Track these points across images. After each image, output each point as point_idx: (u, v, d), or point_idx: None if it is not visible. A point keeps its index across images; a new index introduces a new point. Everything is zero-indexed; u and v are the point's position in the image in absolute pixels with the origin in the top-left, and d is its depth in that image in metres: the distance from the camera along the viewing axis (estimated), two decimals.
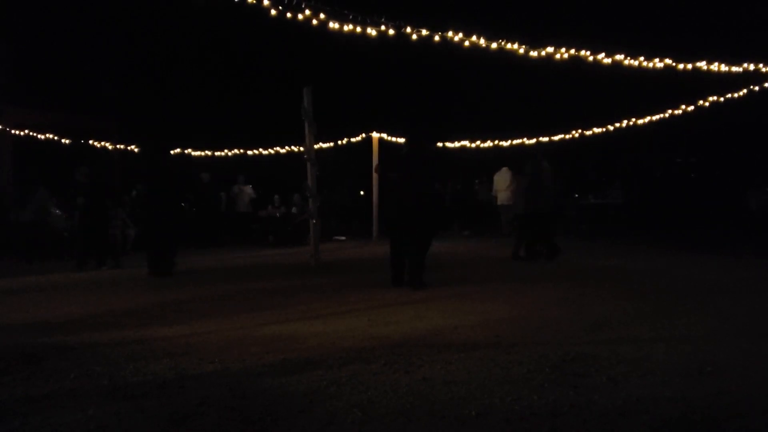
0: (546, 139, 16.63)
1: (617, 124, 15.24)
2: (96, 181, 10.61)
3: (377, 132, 15.54)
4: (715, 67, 9.97)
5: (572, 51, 9.22)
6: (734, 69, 10.11)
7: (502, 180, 14.41)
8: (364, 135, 15.85)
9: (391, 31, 8.27)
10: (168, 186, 9.30)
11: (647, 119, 14.61)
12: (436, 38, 8.62)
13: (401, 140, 7.56)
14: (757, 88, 11.69)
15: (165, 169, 9.42)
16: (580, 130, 16.04)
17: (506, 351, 4.08)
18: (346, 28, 8.07)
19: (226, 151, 17.13)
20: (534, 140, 16.80)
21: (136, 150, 15.61)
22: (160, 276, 8.78)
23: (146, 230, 10.17)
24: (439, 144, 16.10)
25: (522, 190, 10.29)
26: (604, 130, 15.61)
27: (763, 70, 10.16)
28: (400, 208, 7.23)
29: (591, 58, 9.36)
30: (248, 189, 16.19)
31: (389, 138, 15.86)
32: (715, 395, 3.12)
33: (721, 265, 8.60)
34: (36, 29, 16.03)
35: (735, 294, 6.18)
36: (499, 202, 14.72)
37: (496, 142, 17.07)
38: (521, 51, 9.02)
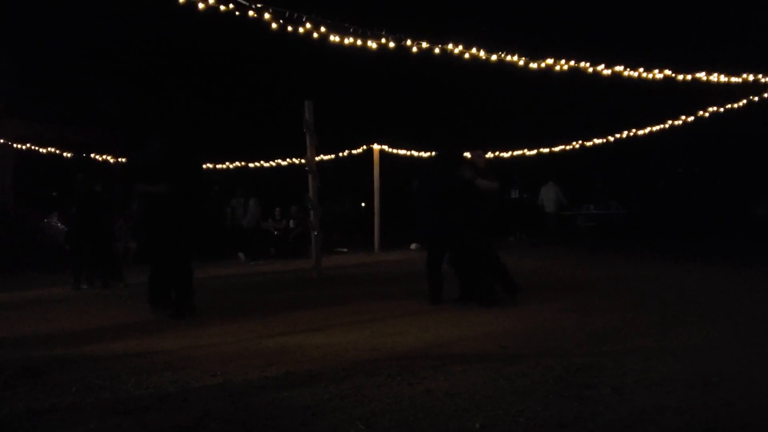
0: (547, 150, 16.68)
1: (618, 135, 15.28)
2: (92, 190, 9.71)
3: (378, 144, 15.60)
4: (714, 77, 9.99)
5: (572, 63, 9.24)
6: (734, 79, 10.13)
7: (550, 191, 17.14)
8: (365, 147, 15.90)
9: (392, 44, 8.30)
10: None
11: (648, 130, 14.64)
12: (436, 50, 8.65)
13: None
14: (756, 98, 11.71)
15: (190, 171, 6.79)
16: (581, 141, 16.07)
17: (510, 362, 4.06)
18: (346, 41, 8.10)
19: (227, 163, 17.17)
20: (535, 151, 16.86)
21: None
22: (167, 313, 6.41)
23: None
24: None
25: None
26: (604, 141, 15.64)
27: (763, 80, 10.17)
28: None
29: (591, 70, 9.39)
30: (251, 202, 16.22)
31: (390, 150, 15.92)
32: (721, 406, 3.10)
33: (725, 275, 8.57)
34: (38, 42, 16.13)
35: (740, 304, 6.15)
36: (547, 210, 17.24)
37: (497, 153, 17.11)
38: (521, 63, 9.04)
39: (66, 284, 9.58)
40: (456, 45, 8.70)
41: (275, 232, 15.96)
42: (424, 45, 8.51)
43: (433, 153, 7.81)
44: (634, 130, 14.86)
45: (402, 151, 16.39)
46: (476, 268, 6.68)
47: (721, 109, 12.62)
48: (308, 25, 7.77)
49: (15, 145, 14.27)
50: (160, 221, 6.38)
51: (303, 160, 11.43)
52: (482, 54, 8.86)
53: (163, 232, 6.40)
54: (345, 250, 16.08)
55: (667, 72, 9.72)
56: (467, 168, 7.03)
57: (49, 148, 14.38)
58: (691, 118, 13.40)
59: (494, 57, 8.92)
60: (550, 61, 9.14)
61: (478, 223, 6.79)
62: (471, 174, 6.91)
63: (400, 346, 4.68)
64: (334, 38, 8.01)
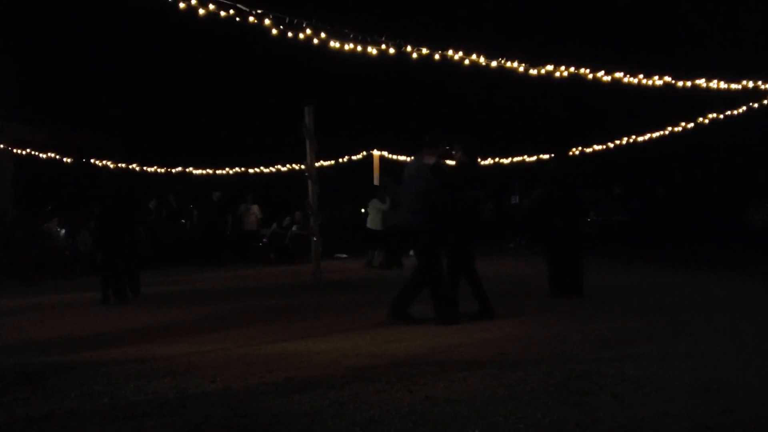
0: (547, 156, 16.70)
1: (617, 141, 15.30)
2: (115, 191, 8.97)
3: (378, 150, 15.62)
4: (714, 84, 10.01)
5: (572, 69, 9.25)
6: (733, 86, 10.14)
7: None
8: (365, 153, 15.91)
9: (392, 50, 8.31)
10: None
11: (647, 136, 14.66)
12: (437, 57, 8.66)
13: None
14: (756, 105, 11.73)
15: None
16: (580, 148, 16.08)
17: (510, 369, 4.05)
18: (346, 47, 8.11)
19: (227, 169, 17.17)
20: (534, 157, 16.87)
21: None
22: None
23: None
24: None
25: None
26: (604, 147, 15.66)
27: (762, 87, 10.19)
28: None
29: (591, 76, 9.40)
30: (255, 208, 16.21)
31: (390, 156, 15.93)
32: (721, 413, 3.09)
33: (724, 283, 8.56)
34: (39, 46, 16.15)
35: (739, 311, 6.14)
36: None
37: (497, 159, 17.14)
38: (521, 69, 9.06)
39: (64, 290, 9.58)
40: (456, 51, 8.72)
41: (263, 240, 15.92)
42: (424, 51, 8.52)
43: (557, 161, 8.56)
44: (633, 137, 14.88)
45: (402, 157, 16.39)
46: (577, 266, 7.40)
47: (721, 116, 12.64)
48: (308, 31, 7.78)
49: (14, 150, 14.26)
50: (467, 226, 6.41)
51: (303, 166, 11.43)
52: (482, 60, 8.88)
53: (469, 236, 6.46)
54: (344, 256, 16.08)
55: (667, 78, 9.72)
56: (580, 176, 7.76)
57: (48, 154, 14.37)
58: (690, 125, 13.42)
59: (494, 63, 8.93)
60: (550, 67, 9.16)
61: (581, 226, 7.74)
62: (582, 183, 7.67)
63: (400, 353, 4.67)
64: (334, 44, 8.02)
